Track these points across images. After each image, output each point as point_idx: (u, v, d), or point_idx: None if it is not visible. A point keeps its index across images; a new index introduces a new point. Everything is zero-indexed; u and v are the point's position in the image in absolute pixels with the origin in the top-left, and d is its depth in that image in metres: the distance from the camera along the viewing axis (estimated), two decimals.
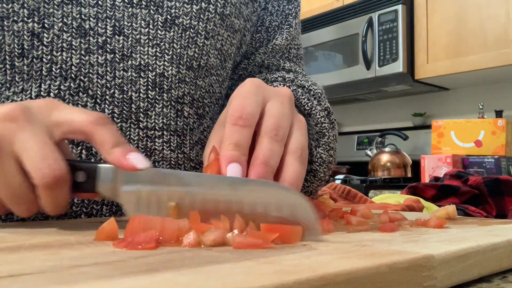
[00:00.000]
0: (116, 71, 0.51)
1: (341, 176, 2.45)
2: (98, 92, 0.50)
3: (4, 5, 0.47)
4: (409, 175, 2.38)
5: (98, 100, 0.50)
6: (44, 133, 0.35)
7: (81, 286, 0.19)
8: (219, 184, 0.34)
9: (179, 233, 0.30)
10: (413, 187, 1.13)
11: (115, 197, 0.36)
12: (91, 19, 0.50)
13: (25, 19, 0.48)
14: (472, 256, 0.29)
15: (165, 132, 0.54)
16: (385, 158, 2.39)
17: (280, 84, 0.59)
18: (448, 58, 2.24)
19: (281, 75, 0.63)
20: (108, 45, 0.51)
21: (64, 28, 0.49)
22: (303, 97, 0.58)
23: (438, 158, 2.01)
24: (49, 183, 0.34)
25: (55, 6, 0.49)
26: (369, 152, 2.60)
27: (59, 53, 0.49)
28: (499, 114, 2.19)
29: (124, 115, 0.51)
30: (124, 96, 0.51)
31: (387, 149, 2.46)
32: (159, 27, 0.53)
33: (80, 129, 0.36)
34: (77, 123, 0.36)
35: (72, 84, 0.49)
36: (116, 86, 0.51)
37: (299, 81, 0.60)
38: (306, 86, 0.59)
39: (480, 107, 2.23)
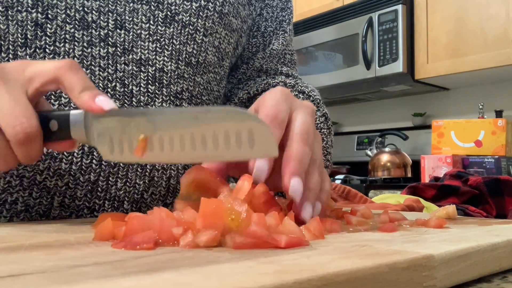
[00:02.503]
0: (118, 65, 0.52)
1: (341, 176, 2.45)
2: (100, 84, 0.51)
3: None
4: (409, 175, 2.38)
5: None
6: (17, 91, 0.37)
7: (81, 286, 0.19)
8: (183, 117, 0.35)
9: (177, 234, 0.30)
10: (413, 187, 1.13)
11: (89, 141, 0.38)
12: (93, 12, 0.51)
13: (29, 9, 0.48)
14: (472, 256, 0.29)
15: None
16: (385, 158, 2.39)
17: None
18: (448, 58, 2.24)
19: (282, 80, 0.64)
20: (110, 39, 0.51)
21: (67, 20, 0.49)
22: None
23: (438, 158, 2.01)
24: (21, 139, 0.36)
25: None
26: (369, 152, 2.60)
27: (62, 45, 0.49)
28: (499, 114, 2.19)
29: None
30: (125, 89, 0.52)
31: (387, 149, 2.46)
32: (159, 23, 0.54)
33: (50, 77, 0.37)
34: (46, 72, 0.37)
35: None
36: (118, 80, 0.52)
37: (299, 87, 0.61)
38: (306, 92, 0.60)
39: (480, 107, 2.23)
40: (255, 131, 0.33)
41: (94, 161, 0.51)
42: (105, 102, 0.37)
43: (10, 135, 0.36)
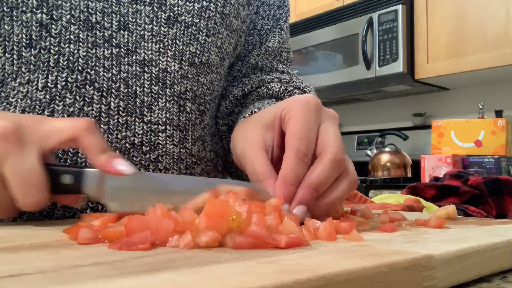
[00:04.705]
0: (121, 65, 0.52)
1: None
2: (104, 85, 0.51)
3: None
4: (409, 175, 2.38)
5: (104, 93, 0.51)
6: (33, 156, 0.37)
7: (81, 286, 0.19)
8: (197, 186, 0.37)
9: (175, 234, 0.30)
10: (413, 187, 1.13)
11: (99, 198, 0.39)
12: (97, 13, 0.51)
13: (34, 9, 0.48)
14: (472, 256, 0.29)
15: (168, 127, 0.54)
16: (385, 158, 2.39)
17: (277, 85, 0.60)
18: (448, 58, 2.24)
19: (277, 76, 0.64)
20: (113, 40, 0.51)
21: (72, 21, 0.50)
22: None
23: (438, 158, 2.00)
24: (28, 208, 0.37)
25: None
26: (369, 152, 2.60)
27: (66, 45, 0.50)
28: (499, 114, 2.19)
29: (129, 109, 0.52)
30: (129, 90, 0.52)
31: (387, 149, 2.46)
32: (163, 24, 0.54)
33: (68, 137, 0.39)
34: (64, 131, 0.39)
35: (79, 77, 0.50)
36: (121, 80, 0.52)
37: (294, 82, 0.62)
38: (301, 87, 0.61)
39: (480, 107, 2.23)
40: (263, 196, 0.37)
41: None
42: (123, 165, 0.38)
43: (19, 203, 0.37)
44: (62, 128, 0.39)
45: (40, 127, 0.39)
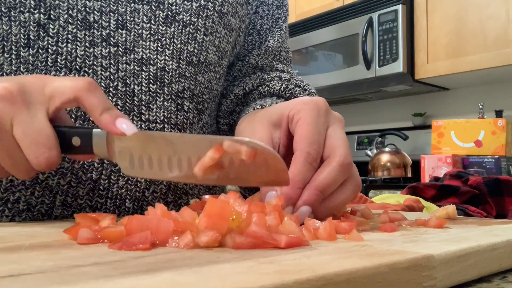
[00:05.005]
0: (119, 64, 0.52)
1: None
2: (102, 84, 0.51)
3: None
4: (409, 175, 2.37)
5: None
6: (40, 115, 0.38)
7: (81, 286, 0.19)
8: (201, 143, 0.37)
9: (175, 234, 0.30)
10: (413, 187, 1.13)
11: (110, 158, 0.40)
12: (95, 12, 0.51)
13: (32, 9, 0.49)
14: (472, 256, 0.29)
15: (166, 125, 0.55)
16: (385, 158, 2.39)
17: (278, 83, 0.61)
18: (448, 58, 2.24)
19: (277, 74, 0.65)
20: (111, 39, 0.52)
21: (70, 20, 0.50)
22: (301, 95, 0.59)
23: (438, 158, 2.00)
24: (42, 167, 0.39)
25: None
26: (369, 152, 2.60)
27: (64, 45, 0.50)
28: (499, 114, 2.19)
29: (127, 107, 0.52)
30: (127, 88, 0.52)
31: (387, 149, 2.46)
32: (160, 22, 0.54)
33: (70, 97, 0.39)
34: (66, 92, 0.39)
35: (76, 75, 0.50)
36: (119, 79, 0.52)
37: (294, 80, 0.63)
38: (302, 85, 0.62)
39: (480, 107, 2.22)
40: (270, 160, 0.37)
41: (96, 159, 0.51)
42: (126, 126, 0.38)
43: (32, 163, 0.38)
44: (64, 88, 0.39)
45: (44, 87, 0.39)
